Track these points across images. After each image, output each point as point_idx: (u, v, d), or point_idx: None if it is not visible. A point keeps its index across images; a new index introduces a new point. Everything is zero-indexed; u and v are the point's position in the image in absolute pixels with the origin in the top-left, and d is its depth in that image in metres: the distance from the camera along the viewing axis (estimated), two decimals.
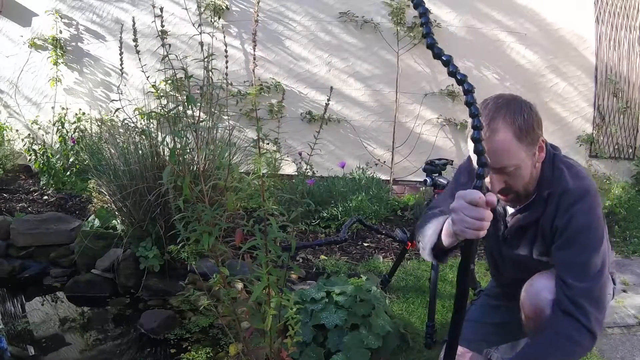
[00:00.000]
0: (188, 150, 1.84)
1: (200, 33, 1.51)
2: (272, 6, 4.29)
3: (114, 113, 3.06)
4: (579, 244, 1.22)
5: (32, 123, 4.46)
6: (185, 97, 1.43)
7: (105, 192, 2.86)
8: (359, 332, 1.77)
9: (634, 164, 4.35)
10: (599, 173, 4.33)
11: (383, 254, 3.05)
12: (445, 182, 2.02)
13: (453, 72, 0.80)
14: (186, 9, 3.21)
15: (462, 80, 0.79)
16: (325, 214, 3.40)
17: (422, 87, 4.29)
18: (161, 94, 2.41)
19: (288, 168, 4.18)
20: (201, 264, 2.52)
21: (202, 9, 4.19)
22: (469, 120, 0.84)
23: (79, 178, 3.97)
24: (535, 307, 1.25)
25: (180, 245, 1.48)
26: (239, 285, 2.28)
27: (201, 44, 1.52)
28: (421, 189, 4.11)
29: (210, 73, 1.55)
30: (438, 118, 4.30)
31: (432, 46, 0.81)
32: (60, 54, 4.47)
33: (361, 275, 2.19)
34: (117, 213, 2.81)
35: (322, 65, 4.33)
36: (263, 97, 4.28)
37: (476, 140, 0.80)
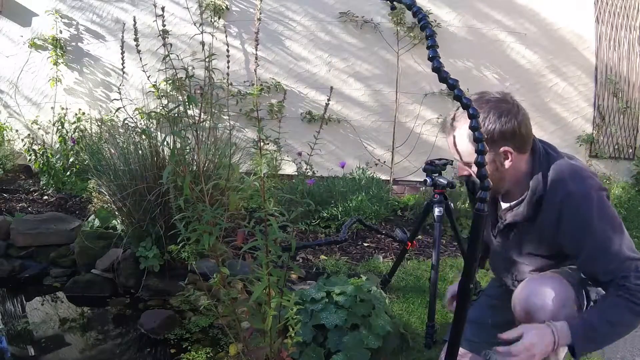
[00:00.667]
0: (188, 150, 1.84)
1: (202, 33, 1.51)
2: (272, 6, 4.29)
3: (114, 113, 3.06)
4: (596, 242, 1.21)
5: (32, 123, 4.47)
6: (186, 97, 1.43)
7: (105, 192, 2.86)
8: (359, 332, 1.77)
9: (634, 164, 4.35)
10: (599, 173, 4.33)
11: (383, 254, 3.05)
12: (445, 182, 2.02)
13: (459, 97, 0.83)
14: (187, 8, 3.21)
15: (474, 116, 0.81)
16: (325, 214, 3.40)
17: (422, 87, 4.29)
18: (161, 94, 2.41)
19: (288, 168, 4.18)
20: (201, 264, 2.52)
21: (203, 9, 4.19)
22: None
23: (79, 178, 3.97)
24: (525, 312, 1.25)
25: (181, 245, 1.48)
26: (239, 285, 2.28)
27: (202, 43, 1.52)
28: (421, 189, 4.11)
29: (210, 73, 1.55)
30: (438, 118, 4.30)
31: (438, 69, 0.83)
32: (60, 54, 4.47)
33: (361, 275, 2.19)
34: (117, 213, 2.81)
35: (322, 65, 4.34)
36: (263, 97, 4.28)
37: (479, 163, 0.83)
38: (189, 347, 2.06)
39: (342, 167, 3.96)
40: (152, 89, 2.28)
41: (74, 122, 4.22)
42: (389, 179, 4.26)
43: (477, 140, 0.82)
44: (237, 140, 3.24)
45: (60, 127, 4.16)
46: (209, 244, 1.32)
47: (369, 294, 1.90)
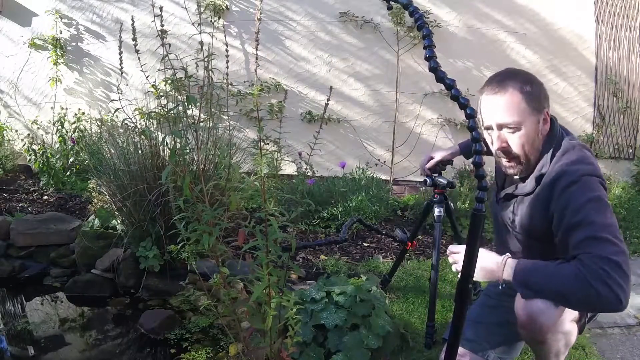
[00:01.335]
0: (188, 150, 1.84)
1: (200, 32, 1.51)
2: (272, 6, 4.29)
3: (114, 113, 3.06)
4: (581, 218, 1.18)
5: (32, 123, 4.47)
6: (185, 97, 1.43)
7: (105, 192, 2.85)
8: (359, 332, 1.77)
9: (634, 164, 4.35)
10: None
11: (383, 254, 3.05)
12: (445, 182, 2.02)
13: (456, 97, 0.84)
14: (185, 8, 3.21)
15: (471, 116, 0.81)
16: (325, 214, 3.40)
17: (422, 87, 4.29)
18: (161, 94, 2.41)
19: (288, 168, 4.18)
20: (201, 264, 2.52)
21: (202, 9, 4.19)
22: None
23: (79, 178, 3.97)
24: (528, 316, 1.24)
25: (181, 245, 1.48)
26: (239, 285, 2.28)
27: (201, 43, 1.52)
28: (421, 189, 4.11)
29: (210, 73, 1.55)
30: (438, 118, 4.31)
31: (435, 70, 0.84)
32: (60, 54, 4.47)
33: (361, 275, 2.19)
34: (117, 213, 2.81)
35: (322, 65, 4.34)
36: (263, 97, 4.28)
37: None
38: (189, 347, 2.06)
39: (342, 167, 3.96)
40: (152, 89, 2.27)
41: (74, 122, 4.22)
42: (389, 179, 4.26)
43: (474, 140, 0.82)
44: (238, 140, 3.24)
45: (60, 127, 4.15)
46: (209, 244, 1.32)
47: (369, 294, 1.90)
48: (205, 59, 1.47)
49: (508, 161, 1.36)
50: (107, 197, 2.85)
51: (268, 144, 3.79)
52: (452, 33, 4.21)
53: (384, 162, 4.31)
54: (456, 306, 0.95)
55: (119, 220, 2.82)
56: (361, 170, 3.96)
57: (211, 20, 4.27)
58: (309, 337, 1.76)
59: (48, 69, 4.50)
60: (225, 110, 3.20)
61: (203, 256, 2.53)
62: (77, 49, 4.55)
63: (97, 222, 2.87)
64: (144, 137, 2.66)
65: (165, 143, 2.59)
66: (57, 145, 4.19)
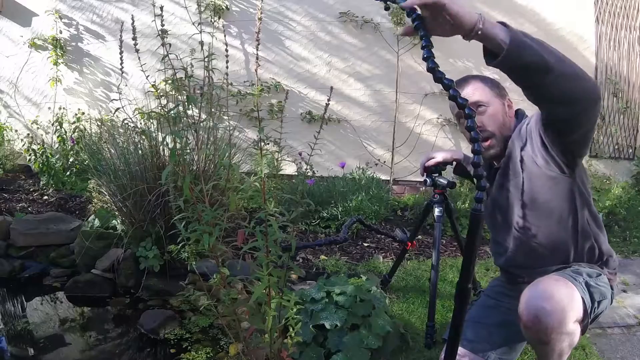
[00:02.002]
0: (188, 151, 1.84)
1: (200, 32, 1.51)
2: (272, 6, 4.29)
3: (114, 113, 3.06)
4: None
5: (31, 123, 4.47)
6: (185, 97, 1.43)
7: (105, 192, 2.86)
8: (359, 332, 1.77)
9: (634, 164, 4.35)
10: (599, 173, 4.34)
11: (383, 254, 3.05)
12: (445, 182, 2.02)
13: (454, 97, 0.83)
14: (185, 7, 3.21)
15: (470, 116, 0.81)
16: (325, 214, 3.40)
17: (422, 87, 4.29)
18: (161, 94, 2.41)
19: (288, 168, 4.18)
20: (201, 264, 2.52)
21: (202, 9, 4.19)
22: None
23: (79, 178, 3.97)
24: (533, 316, 1.24)
25: (181, 245, 1.48)
26: (239, 286, 2.28)
27: (201, 43, 1.52)
28: (421, 189, 4.11)
29: (210, 73, 1.55)
30: (438, 118, 4.31)
31: (433, 70, 0.84)
32: (60, 54, 4.47)
33: (361, 275, 2.19)
34: (117, 213, 2.81)
35: (322, 65, 4.34)
36: (263, 97, 4.28)
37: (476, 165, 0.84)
38: (189, 347, 2.06)
39: (342, 167, 3.96)
40: (152, 89, 2.28)
41: (74, 122, 4.22)
42: (389, 179, 4.26)
43: (473, 140, 0.81)
44: (238, 140, 3.24)
45: (60, 127, 4.16)
46: (209, 244, 1.32)
47: (369, 294, 1.90)
48: (205, 59, 1.47)
49: (485, 141, 1.51)
50: (107, 197, 2.85)
51: (268, 144, 3.79)
52: None
53: (384, 162, 4.31)
54: (456, 306, 0.95)
55: (119, 220, 2.82)
56: (361, 170, 3.96)
57: (211, 20, 4.27)
58: (309, 337, 1.76)
59: (48, 69, 4.50)
60: (225, 110, 3.20)
61: (203, 256, 2.53)
62: (77, 49, 4.55)
63: (97, 222, 2.86)
64: (144, 137, 2.66)
65: (165, 143, 2.60)
66: (57, 145, 4.19)
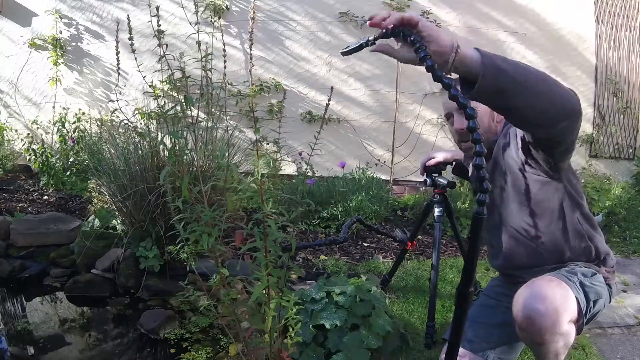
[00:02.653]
0: (187, 151, 1.83)
1: (198, 32, 1.50)
2: (272, 6, 4.29)
3: (112, 113, 3.07)
4: None
5: (32, 123, 4.47)
6: (183, 97, 1.42)
7: (105, 192, 2.86)
8: (359, 332, 1.77)
9: (634, 164, 4.35)
10: (599, 173, 4.33)
11: (383, 254, 3.05)
12: (445, 182, 2.02)
13: (455, 96, 0.83)
14: (183, 7, 3.22)
15: (471, 116, 0.81)
16: (325, 214, 3.40)
17: (422, 87, 4.29)
18: (160, 94, 2.41)
19: (288, 168, 4.18)
20: (201, 264, 2.52)
21: (202, 9, 4.19)
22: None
23: (79, 178, 3.97)
24: (526, 317, 1.23)
25: (180, 245, 1.48)
26: (239, 286, 2.28)
27: (198, 43, 1.52)
28: (421, 189, 4.11)
29: (209, 73, 1.55)
30: (438, 118, 4.30)
31: (432, 68, 0.85)
32: (60, 54, 4.47)
33: (361, 275, 2.19)
34: (117, 213, 2.81)
35: (322, 65, 4.33)
36: (263, 97, 4.28)
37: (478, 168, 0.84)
38: (189, 347, 2.06)
39: (342, 167, 3.95)
40: (150, 89, 2.28)
41: (74, 122, 4.23)
42: (389, 179, 4.26)
43: (475, 141, 0.81)
44: (238, 140, 3.24)
45: (60, 127, 4.16)
46: (208, 244, 1.32)
47: (369, 294, 1.90)
48: (203, 59, 1.46)
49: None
50: (107, 197, 2.85)
51: (268, 144, 3.79)
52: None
53: (384, 162, 4.31)
54: (456, 308, 0.94)
55: (119, 221, 2.82)
56: (361, 170, 3.96)
57: (211, 20, 4.27)
58: (309, 337, 1.75)
59: (48, 69, 4.50)
60: (225, 110, 3.20)
61: (203, 256, 2.53)
62: (77, 49, 4.55)
63: (97, 222, 2.86)
64: (143, 137, 2.66)
65: (164, 143, 2.59)
66: (57, 145, 4.19)
